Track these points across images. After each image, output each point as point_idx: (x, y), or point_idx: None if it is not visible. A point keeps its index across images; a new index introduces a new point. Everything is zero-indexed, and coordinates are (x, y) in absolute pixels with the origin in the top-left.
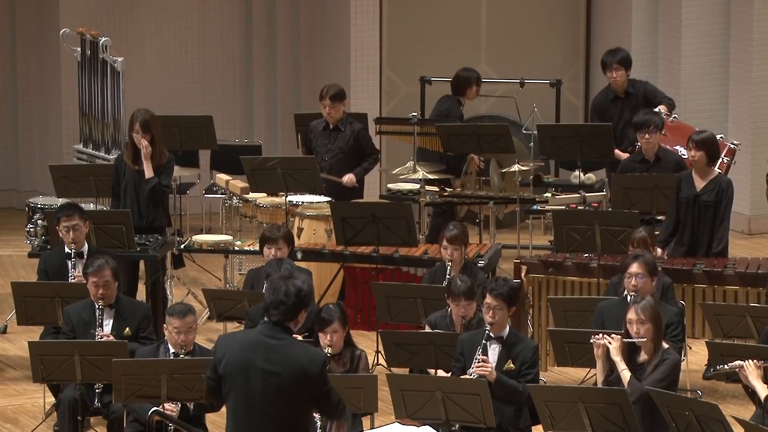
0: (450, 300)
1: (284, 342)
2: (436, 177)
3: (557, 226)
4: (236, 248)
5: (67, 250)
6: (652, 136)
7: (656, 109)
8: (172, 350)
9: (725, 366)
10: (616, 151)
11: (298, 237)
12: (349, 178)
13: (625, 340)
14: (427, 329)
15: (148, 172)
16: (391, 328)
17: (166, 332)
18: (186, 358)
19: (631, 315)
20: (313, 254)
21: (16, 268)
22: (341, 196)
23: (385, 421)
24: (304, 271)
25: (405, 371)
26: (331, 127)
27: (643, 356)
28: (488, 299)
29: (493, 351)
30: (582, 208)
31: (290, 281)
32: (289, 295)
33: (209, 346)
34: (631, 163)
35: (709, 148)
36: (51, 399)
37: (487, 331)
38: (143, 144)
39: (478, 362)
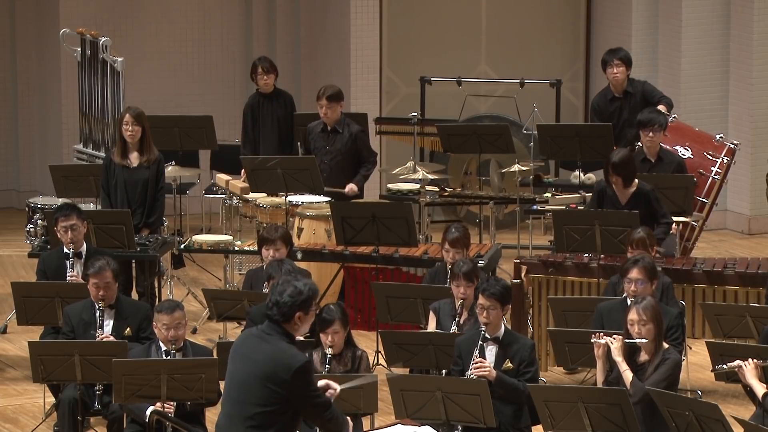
0: (452, 281)
1: (273, 338)
2: (436, 177)
3: (557, 226)
4: (236, 248)
5: (65, 250)
6: (656, 135)
7: None
8: (163, 348)
9: (724, 366)
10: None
11: (298, 237)
12: (350, 188)
13: (626, 341)
14: (431, 315)
15: None
16: (391, 328)
17: (155, 330)
18: (186, 358)
19: (633, 315)
20: (313, 254)
21: (16, 268)
22: (341, 196)
23: (385, 421)
24: (303, 272)
25: (405, 371)
26: (329, 128)
27: (643, 356)
28: (481, 300)
29: (490, 351)
30: (582, 208)
31: (292, 282)
32: (283, 295)
33: (209, 346)
34: None
35: (627, 170)
36: (51, 399)
37: (482, 332)
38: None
39: (476, 364)
